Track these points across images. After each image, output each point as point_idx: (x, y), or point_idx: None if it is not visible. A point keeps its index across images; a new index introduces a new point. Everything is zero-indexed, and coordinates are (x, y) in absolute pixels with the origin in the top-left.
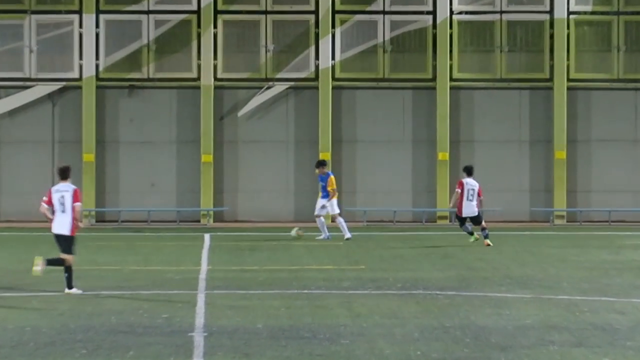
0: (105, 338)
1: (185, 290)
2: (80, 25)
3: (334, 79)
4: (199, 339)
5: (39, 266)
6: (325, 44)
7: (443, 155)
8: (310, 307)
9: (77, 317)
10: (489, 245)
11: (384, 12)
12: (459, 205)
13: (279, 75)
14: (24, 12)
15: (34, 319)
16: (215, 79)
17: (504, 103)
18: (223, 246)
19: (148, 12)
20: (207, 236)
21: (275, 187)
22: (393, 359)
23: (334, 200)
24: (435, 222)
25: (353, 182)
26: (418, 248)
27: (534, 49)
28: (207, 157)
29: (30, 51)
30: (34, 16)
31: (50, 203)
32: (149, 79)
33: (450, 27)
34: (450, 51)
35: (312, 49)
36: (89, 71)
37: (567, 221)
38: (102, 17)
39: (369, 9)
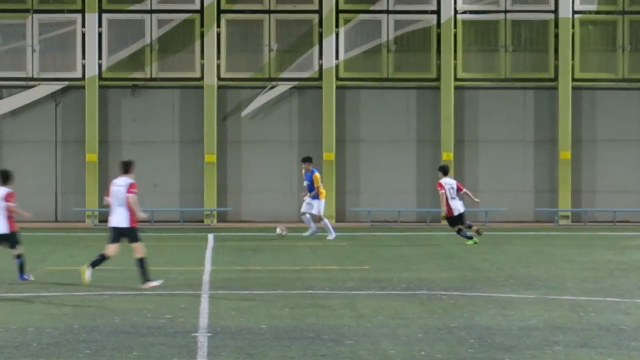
0: (108, 338)
1: (189, 290)
2: (83, 25)
3: (337, 78)
4: (202, 339)
5: (87, 273)
6: (328, 43)
7: (447, 155)
8: (314, 307)
9: (80, 318)
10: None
11: (388, 12)
12: (446, 207)
13: (282, 75)
14: (27, 11)
15: (37, 319)
16: (219, 78)
17: (509, 103)
18: (226, 246)
19: (151, 12)
20: (210, 236)
21: (278, 187)
22: None
23: (323, 201)
24: (440, 222)
25: (357, 182)
26: (422, 248)
27: (538, 48)
28: (210, 157)
29: (33, 51)
30: (36, 15)
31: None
32: (151, 79)
33: (455, 27)
34: (455, 51)
35: (316, 48)
36: (91, 71)
37: (572, 221)
38: (104, 16)
39: (372, 8)
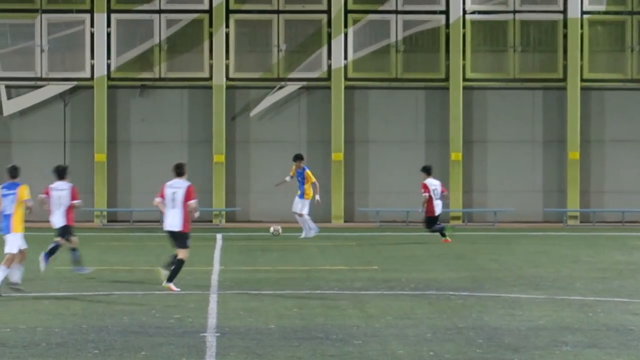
0: (117, 338)
1: (197, 290)
2: (92, 25)
3: (346, 78)
4: (211, 339)
5: (163, 274)
6: (337, 43)
7: (456, 155)
8: (322, 307)
9: (89, 318)
10: (447, 241)
11: (396, 12)
12: (429, 207)
13: (291, 75)
14: (35, 11)
15: (46, 319)
16: (227, 78)
17: (517, 103)
18: (235, 246)
19: (160, 12)
20: (219, 236)
21: (287, 187)
22: None
23: (308, 202)
24: (448, 222)
25: (366, 182)
26: (431, 249)
27: (547, 48)
28: (219, 157)
29: (42, 51)
30: (45, 15)
31: (163, 197)
32: (160, 79)
33: (463, 27)
34: (463, 51)
35: (325, 48)
36: (100, 71)
37: (580, 222)
38: (113, 16)
39: (381, 8)
